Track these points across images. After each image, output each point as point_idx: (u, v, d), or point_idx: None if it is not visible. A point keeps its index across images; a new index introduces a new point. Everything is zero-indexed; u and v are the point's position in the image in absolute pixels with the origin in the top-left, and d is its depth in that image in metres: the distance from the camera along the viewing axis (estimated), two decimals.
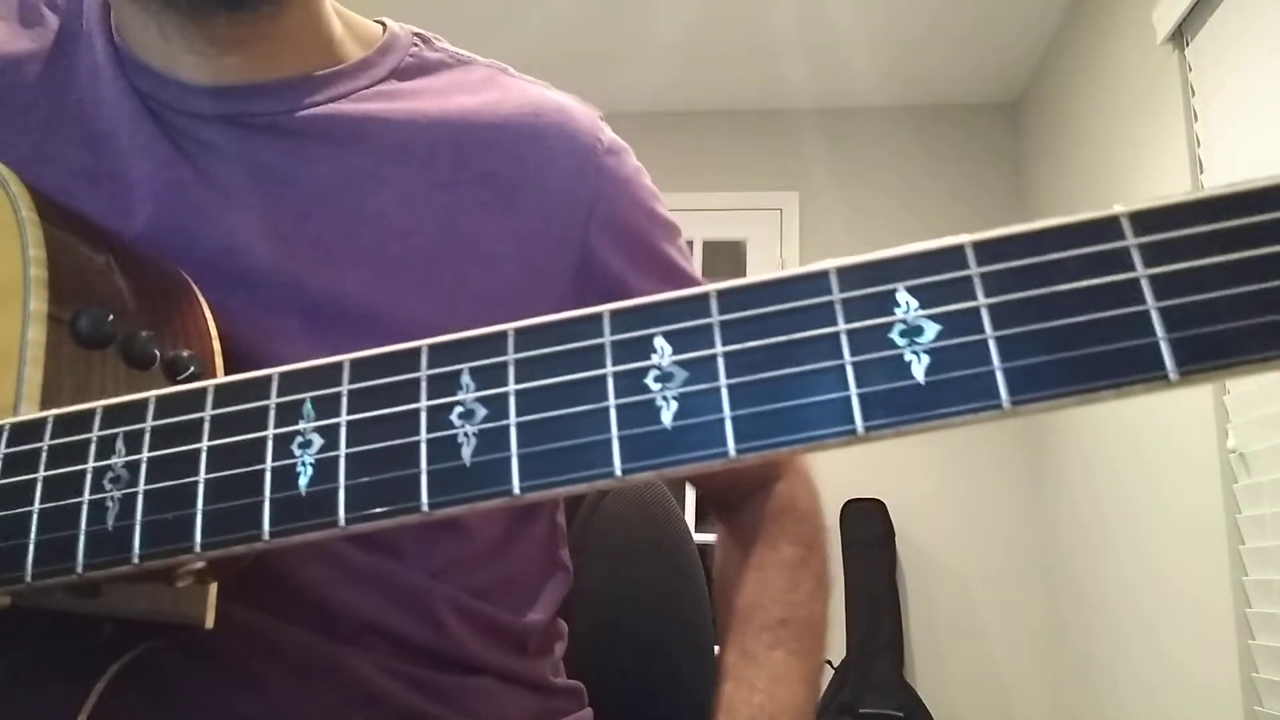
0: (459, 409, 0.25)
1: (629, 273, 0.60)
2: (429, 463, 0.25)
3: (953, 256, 0.23)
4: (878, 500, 2.62)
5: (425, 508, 0.25)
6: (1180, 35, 1.87)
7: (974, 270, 0.23)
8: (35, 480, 0.30)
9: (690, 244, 3.08)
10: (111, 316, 0.40)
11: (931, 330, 0.23)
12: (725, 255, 3.09)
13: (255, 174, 0.53)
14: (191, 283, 0.48)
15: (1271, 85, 1.57)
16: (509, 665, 0.57)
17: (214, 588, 0.42)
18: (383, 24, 0.62)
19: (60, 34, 0.56)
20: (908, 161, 2.93)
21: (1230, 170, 1.72)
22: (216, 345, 0.47)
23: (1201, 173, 1.82)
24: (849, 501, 2.61)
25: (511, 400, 0.25)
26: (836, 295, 0.23)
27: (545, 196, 0.57)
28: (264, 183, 0.53)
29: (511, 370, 0.25)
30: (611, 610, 0.76)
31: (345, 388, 0.27)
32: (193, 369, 0.43)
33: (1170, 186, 1.90)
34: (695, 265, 0.66)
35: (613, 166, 0.61)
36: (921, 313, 0.22)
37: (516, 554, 0.59)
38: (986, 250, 0.23)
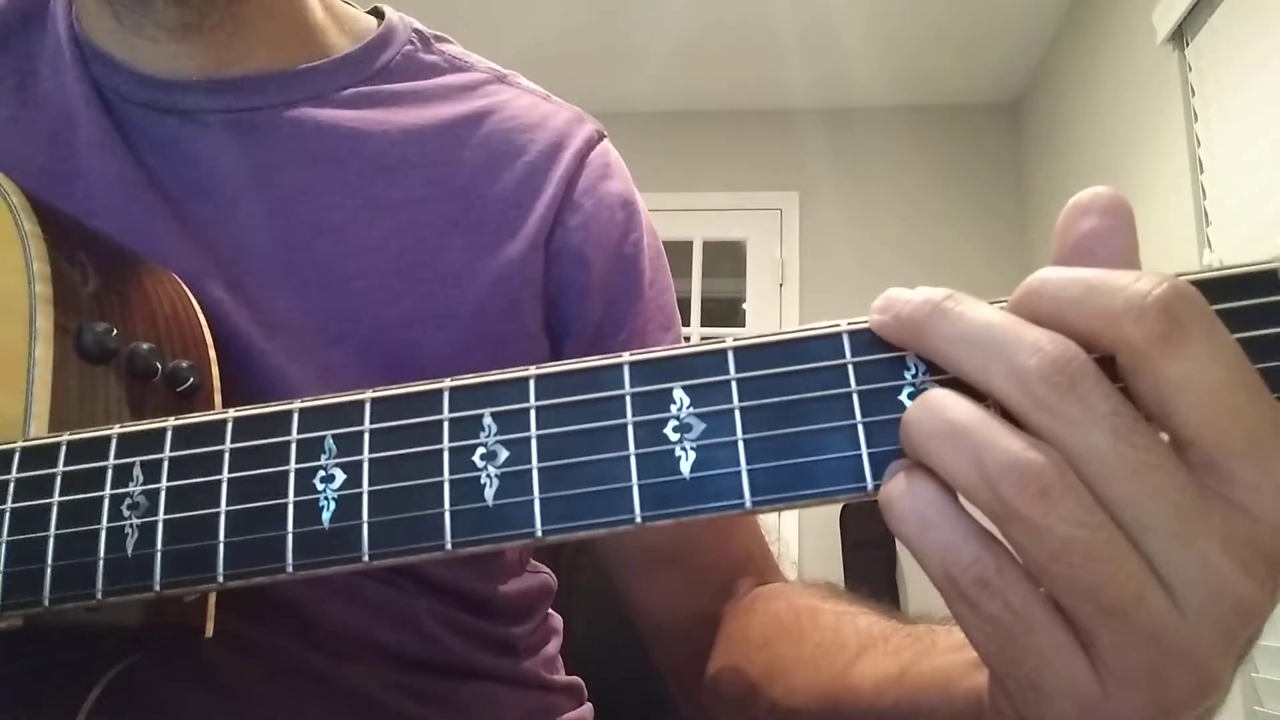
0: (481, 450, 0.26)
1: (606, 309, 0.55)
2: (452, 503, 0.26)
3: None
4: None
5: (449, 546, 0.26)
6: (1180, 35, 1.87)
7: None
8: (50, 505, 0.31)
9: (690, 244, 3.02)
10: (115, 331, 0.40)
11: None
12: (725, 255, 3.09)
13: (208, 177, 0.49)
14: (185, 287, 0.48)
15: (1271, 85, 1.57)
16: (501, 667, 0.56)
17: (213, 597, 0.42)
18: (381, 15, 0.58)
19: (23, 13, 0.52)
20: (908, 161, 2.94)
21: (1230, 170, 1.72)
22: (212, 354, 0.47)
23: (1201, 173, 1.82)
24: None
25: (534, 445, 0.26)
26: (850, 359, 0.24)
27: (520, 216, 0.53)
28: (216, 187, 0.49)
29: (534, 416, 0.26)
30: (612, 606, 0.77)
31: (367, 427, 0.28)
32: (192, 380, 0.44)
33: (1170, 187, 1.92)
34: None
35: (600, 190, 0.56)
36: (932, 378, 0.24)
37: (493, 567, 0.57)
38: None
